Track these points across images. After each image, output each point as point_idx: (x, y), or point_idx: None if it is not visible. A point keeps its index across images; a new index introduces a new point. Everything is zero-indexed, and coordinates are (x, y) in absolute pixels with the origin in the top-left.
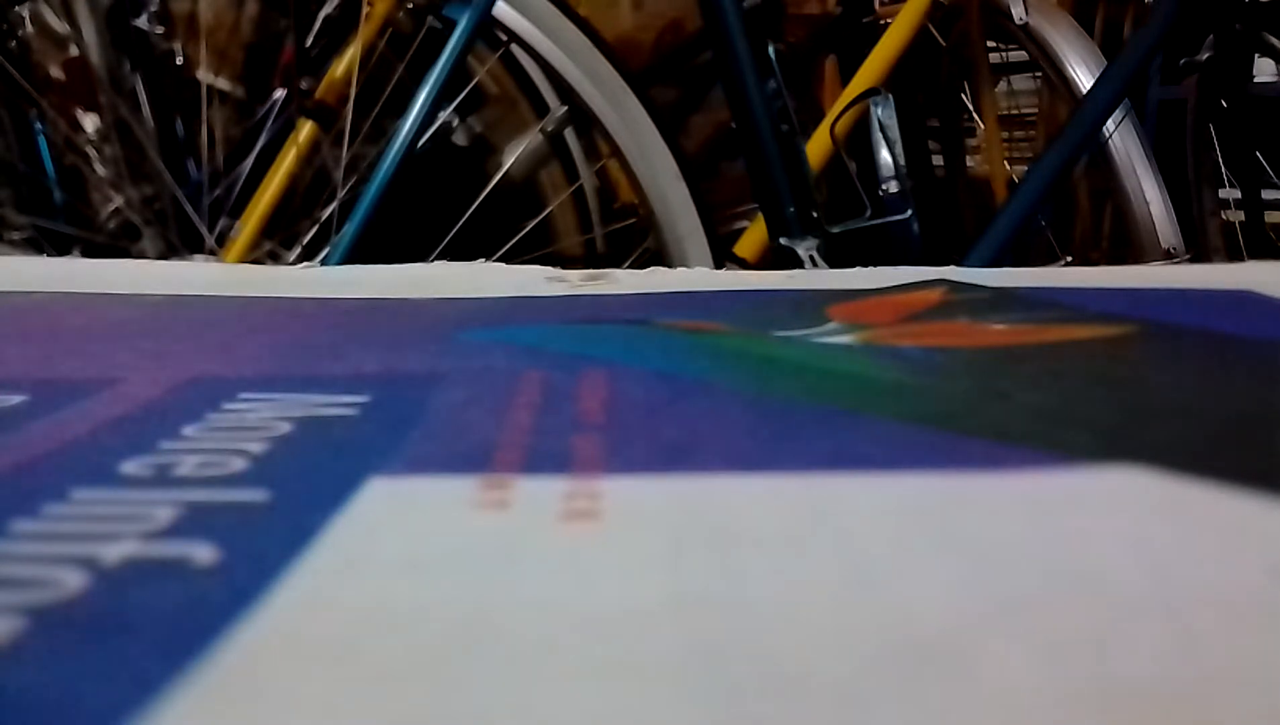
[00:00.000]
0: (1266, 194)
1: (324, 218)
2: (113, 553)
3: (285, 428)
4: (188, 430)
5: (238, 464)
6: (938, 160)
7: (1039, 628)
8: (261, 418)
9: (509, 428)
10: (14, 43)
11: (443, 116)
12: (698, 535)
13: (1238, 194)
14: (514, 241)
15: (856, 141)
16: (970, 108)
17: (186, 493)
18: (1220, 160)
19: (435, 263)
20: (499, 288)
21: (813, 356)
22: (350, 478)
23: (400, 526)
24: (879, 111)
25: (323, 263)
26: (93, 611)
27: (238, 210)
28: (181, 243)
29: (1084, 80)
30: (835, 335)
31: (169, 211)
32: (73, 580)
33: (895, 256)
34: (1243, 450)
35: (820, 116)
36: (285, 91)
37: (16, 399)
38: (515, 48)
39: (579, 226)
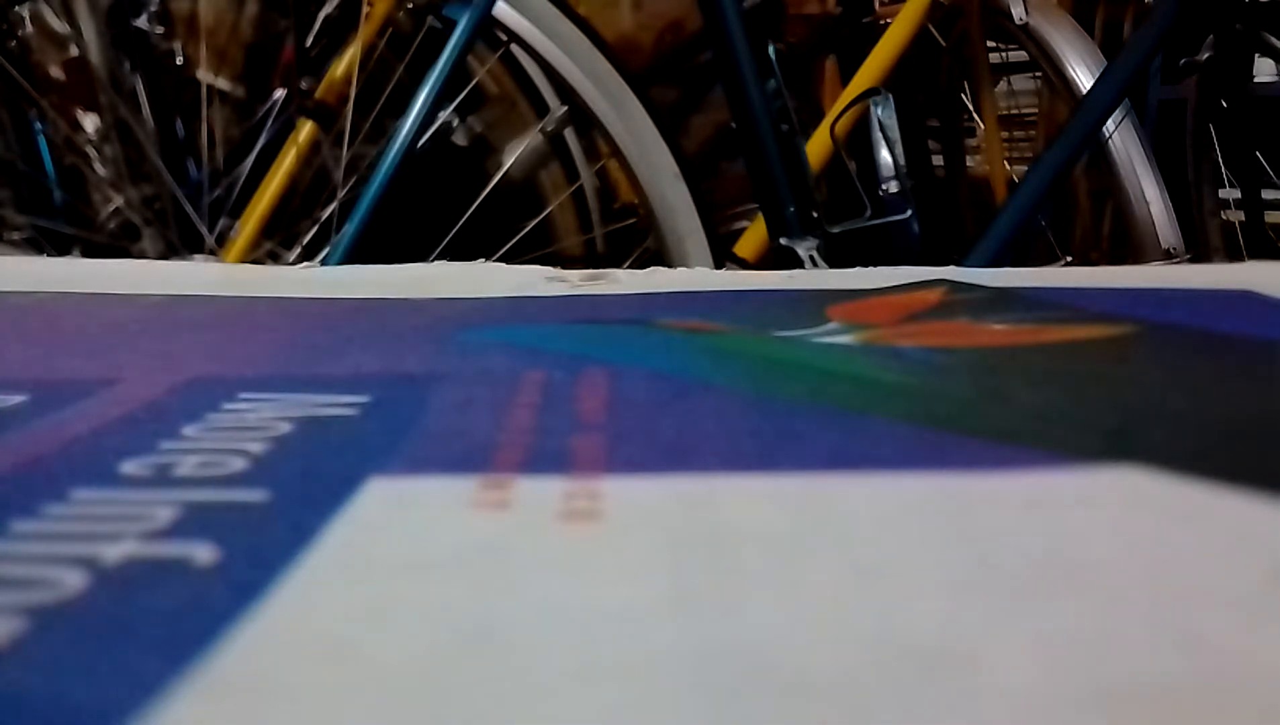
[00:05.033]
0: (1266, 194)
1: (324, 218)
2: (113, 553)
3: (285, 428)
4: (188, 430)
5: (238, 464)
6: (938, 160)
7: (1039, 627)
8: (261, 418)
9: (509, 428)
10: (14, 43)
11: (443, 116)
12: (698, 535)
13: (1238, 194)
14: (514, 241)
15: (856, 141)
16: (970, 108)
17: (186, 493)
18: (1220, 160)
19: (435, 263)
20: (499, 288)
21: (813, 356)
22: (350, 478)
23: (400, 526)
24: (879, 111)
25: (323, 263)
26: (93, 611)
27: (238, 210)
28: (181, 243)
29: (1084, 80)
30: (835, 335)
31: (169, 211)
32: (73, 580)
33: (895, 256)
34: (1243, 450)
35: (820, 116)
36: (285, 91)
37: (16, 399)
38: (515, 48)
39: (579, 226)
